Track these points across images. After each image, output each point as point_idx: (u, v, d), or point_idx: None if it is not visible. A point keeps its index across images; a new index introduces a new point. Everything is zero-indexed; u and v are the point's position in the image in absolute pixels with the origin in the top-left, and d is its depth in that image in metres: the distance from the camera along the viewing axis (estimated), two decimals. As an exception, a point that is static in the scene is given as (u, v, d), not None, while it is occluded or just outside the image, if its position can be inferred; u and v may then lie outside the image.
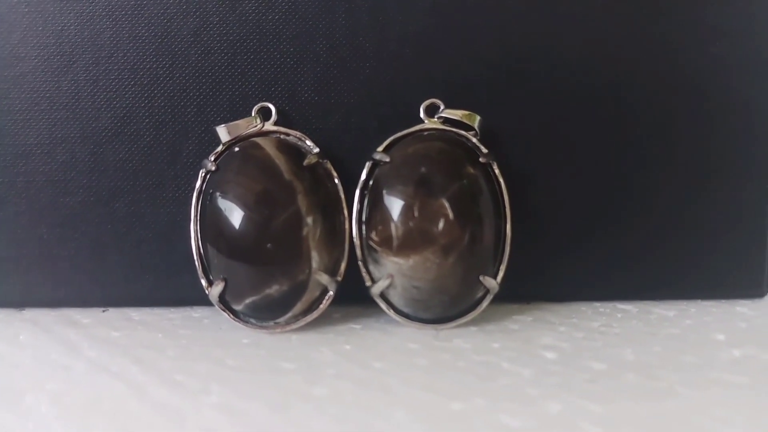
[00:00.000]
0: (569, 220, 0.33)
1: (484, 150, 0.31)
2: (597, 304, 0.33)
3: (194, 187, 0.32)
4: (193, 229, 0.31)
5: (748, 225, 0.33)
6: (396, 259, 0.29)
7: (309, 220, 0.29)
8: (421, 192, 0.29)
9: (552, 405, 0.23)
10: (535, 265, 0.33)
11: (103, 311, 0.34)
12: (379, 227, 0.30)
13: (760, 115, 0.32)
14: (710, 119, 0.32)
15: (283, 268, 0.29)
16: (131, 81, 0.33)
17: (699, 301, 0.33)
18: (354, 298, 0.31)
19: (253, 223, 0.29)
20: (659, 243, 0.33)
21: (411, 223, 0.29)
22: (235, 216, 0.29)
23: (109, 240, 0.33)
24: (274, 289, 0.29)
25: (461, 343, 0.29)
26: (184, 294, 0.34)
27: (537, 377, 0.26)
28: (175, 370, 0.27)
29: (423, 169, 0.30)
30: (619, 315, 0.32)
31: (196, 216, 0.31)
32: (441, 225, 0.29)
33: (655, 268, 0.33)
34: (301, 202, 0.30)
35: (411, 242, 0.29)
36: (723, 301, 0.33)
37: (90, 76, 0.33)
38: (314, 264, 0.30)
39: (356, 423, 0.23)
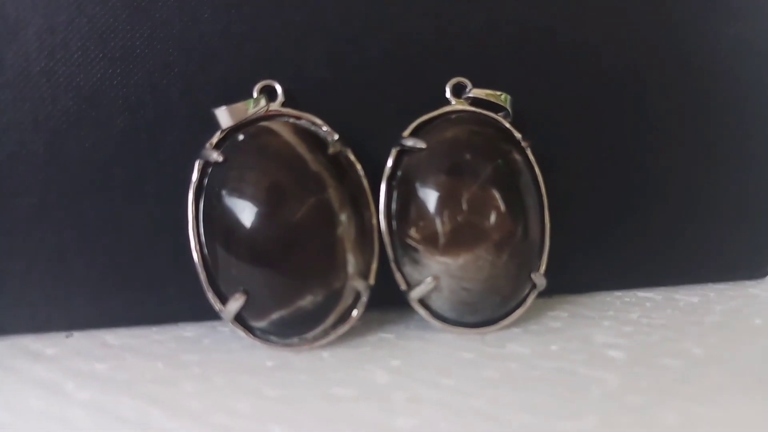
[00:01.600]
0: (587, 211, 0.31)
1: (518, 134, 0.28)
2: (618, 294, 0.32)
3: (189, 181, 0.26)
4: (193, 232, 0.26)
5: (757, 208, 0.33)
6: (443, 259, 0.26)
7: (342, 217, 0.25)
8: (467, 182, 0.26)
9: (667, 414, 0.21)
10: (558, 256, 0.31)
11: (67, 336, 0.28)
12: (420, 223, 0.26)
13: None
14: (726, 103, 0.32)
15: (319, 275, 0.25)
16: (99, 53, 0.27)
17: (711, 284, 0.33)
18: (373, 303, 0.28)
19: (280, 225, 0.25)
20: (674, 230, 0.32)
21: (459, 218, 0.26)
22: (257, 217, 0.25)
23: (73, 248, 0.27)
24: (307, 301, 0.25)
25: (517, 347, 0.26)
26: (166, 310, 0.28)
27: (625, 383, 0.23)
28: (211, 410, 0.22)
29: (468, 156, 0.27)
30: (647, 304, 0.31)
31: (195, 217, 0.26)
32: (493, 218, 0.26)
33: (671, 255, 0.32)
34: (333, 196, 0.25)
35: (461, 239, 0.26)
36: (731, 283, 0.33)
37: (44, 46, 0.26)
38: (350, 268, 0.25)
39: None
